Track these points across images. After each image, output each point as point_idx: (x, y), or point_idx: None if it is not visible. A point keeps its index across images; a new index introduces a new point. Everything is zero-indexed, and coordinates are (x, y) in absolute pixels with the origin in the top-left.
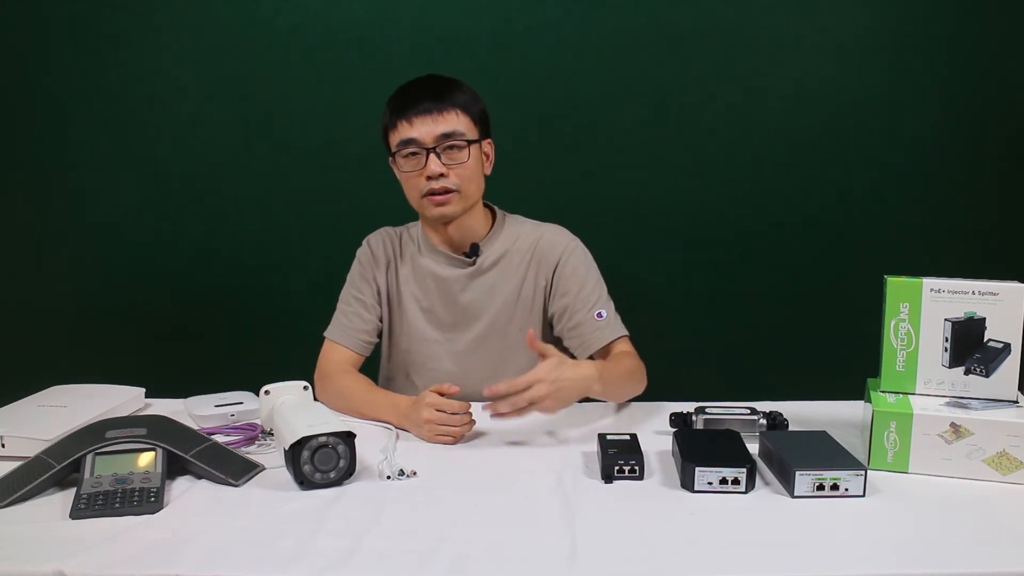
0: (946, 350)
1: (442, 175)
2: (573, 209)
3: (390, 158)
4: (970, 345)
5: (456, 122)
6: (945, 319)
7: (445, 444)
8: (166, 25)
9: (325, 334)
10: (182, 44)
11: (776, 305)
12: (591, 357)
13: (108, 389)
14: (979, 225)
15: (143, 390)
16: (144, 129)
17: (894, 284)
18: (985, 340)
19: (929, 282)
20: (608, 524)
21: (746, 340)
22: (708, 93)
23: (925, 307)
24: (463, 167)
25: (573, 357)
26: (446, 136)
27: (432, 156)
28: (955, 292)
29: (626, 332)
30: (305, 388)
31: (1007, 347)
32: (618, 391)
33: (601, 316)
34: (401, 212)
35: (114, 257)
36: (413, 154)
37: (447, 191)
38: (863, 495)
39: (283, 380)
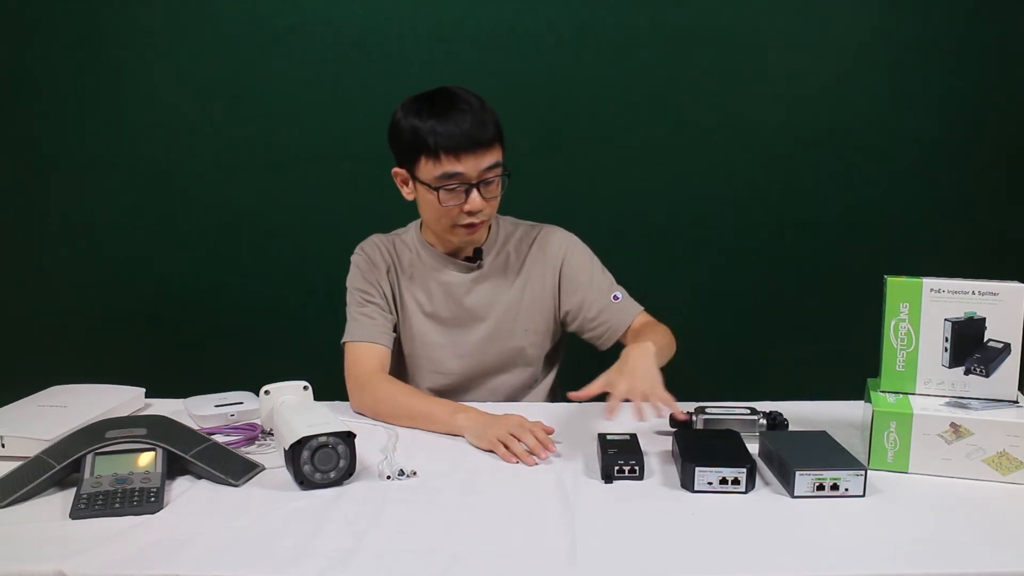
0: (946, 350)
1: (481, 210)
2: (572, 209)
3: (402, 171)
4: (970, 345)
5: (497, 154)
6: (945, 319)
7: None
8: (166, 25)
9: (346, 341)
10: (182, 44)
11: (776, 305)
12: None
13: (108, 389)
14: (979, 225)
15: (143, 390)
16: (144, 129)
17: (894, 284)
18: (985, 340)
19: (929, 282)
20: (608, 524)
21: (746, 340)
22: (708, 93)
23: (925, 307)
24: (495, 198)
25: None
26: (488, 170)
27: (475, 192)
28: (955, 292)
29: (641, 308)
30: (305, 388)
31: (1007, 347)
32: (662, 357)
33: (617, 298)
34: (401, 211)
35: (114, 257)
36: (454, 188)
37: (482, 223)
38: (863, 495)
39: (283, 380)
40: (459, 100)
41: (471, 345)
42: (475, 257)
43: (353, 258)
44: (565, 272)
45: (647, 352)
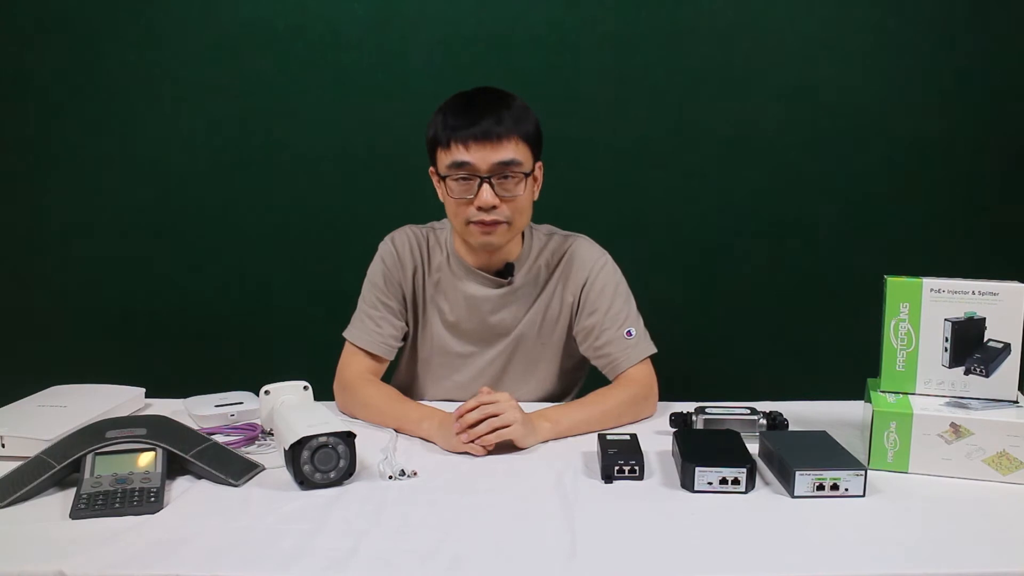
0: (946, 350)
1: (494, 207)
2: (572, 209)
3: (432, 169)
4: (970, 345)
5: (515, 151)
6: (945, 319)
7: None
8: (166, 25)
9: (346, 336)
10: (182, 44)
11: (776, 305)
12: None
13: (108, 389)
14: (979, 225)
15: (143, 390)
16: (144, 129)
17: (894, 284)
18: (985, 340)
19: (929, 282)
20: (608, 524)
21: (746, 340)
22: (708, 93)
23: (925, 307)
24: (516, 200)
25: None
26: (503, 165)
27: (486, 186)
28: (955, 292)
29: (653, 351)
30: (305, 388)
31: (1007, 347)
32: (601, 423)
33: (630, 335)
34: (402, 213)
35: (114, 257)
36: (465, 179)
37: (496, 222)
38: (863, 495)
39: (283, 380)
40: (483, 94)
41: (490, 359)
42: (506, 272)
43: (381, 248)
44: (587, 293)
45: (535, 417)
